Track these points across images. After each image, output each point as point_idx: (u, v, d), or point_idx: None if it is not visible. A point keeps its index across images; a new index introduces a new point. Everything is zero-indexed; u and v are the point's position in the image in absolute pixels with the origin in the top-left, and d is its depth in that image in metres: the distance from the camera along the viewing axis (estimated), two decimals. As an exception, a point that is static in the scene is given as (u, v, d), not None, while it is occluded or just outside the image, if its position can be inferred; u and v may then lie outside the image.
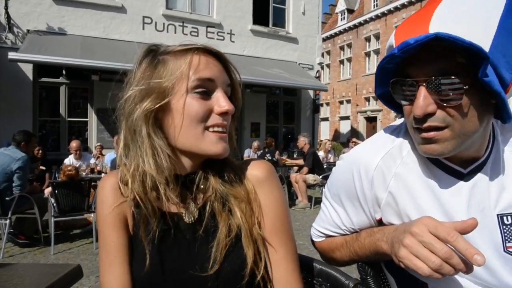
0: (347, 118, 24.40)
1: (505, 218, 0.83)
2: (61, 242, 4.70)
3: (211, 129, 0.76)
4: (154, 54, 0.78)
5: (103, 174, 5.85)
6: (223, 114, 0.76)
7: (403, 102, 0.80)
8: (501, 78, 0.73)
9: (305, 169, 7.46)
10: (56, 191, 4.35)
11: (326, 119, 25.78)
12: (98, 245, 4.33)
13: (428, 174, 0.85)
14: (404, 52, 0.71)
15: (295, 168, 8.46)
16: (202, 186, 0.80)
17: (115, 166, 4.98)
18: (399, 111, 0.88)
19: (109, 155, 6.68)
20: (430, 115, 0.74)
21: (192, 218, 0.80)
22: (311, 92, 13.14)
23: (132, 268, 0.80)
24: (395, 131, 0.93)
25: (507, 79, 0.74)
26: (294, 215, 6.45)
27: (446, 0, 0.75)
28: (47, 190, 4.55)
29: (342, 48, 25.11)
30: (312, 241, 1.11)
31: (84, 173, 5.59)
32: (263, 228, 0.81)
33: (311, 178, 7.25)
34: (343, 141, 19.56)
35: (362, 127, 23.07)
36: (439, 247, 0.67)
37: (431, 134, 0.76)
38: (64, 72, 9.33)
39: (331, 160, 9.06)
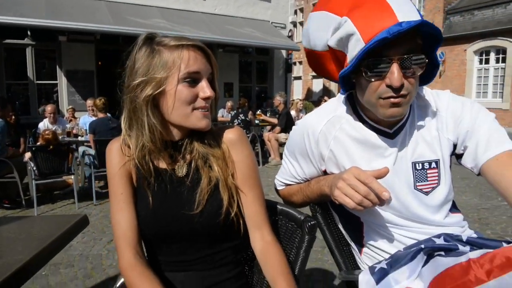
0: (319, 76, 24.55)
1: (417, 165, 1.12)
2: (43, 204, 4.85)
3: (197, 110, 1.00)
4: (150, 42, 0.99)
5: (79, 137, 5.94)
6: (206, 98, 0.99)
7: (373, 79, 0.98)
8: None
9: (278, 128, 7.76)
10: (35, 156, 4.47)
11: (299, 77, 25.88)
12: (80, 206, 4.52)
13: (360, 135, 1.12)
14: (395, 36, 0.89)
15: (268, 127, 8.75)
16: (188, 149, 1.05)
17: (94, 130, 5.10)
18: (349, 89, 1.12)
19: (83, 118, 6.63)
20: (402, 85, 0.96)
21: (182, 173, 1.06)
22: (283, 52, 13.17)
23: (137, 211, 1.05)
24: (337, 104, 1.19)
25: None
26: (267, 172, 6.80)
27: None
28: (27, 155, 4.64)
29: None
30: (276, 190, 1.39)
31: (60, 137, 5.65)
32: (236, 178, 1.07)
33: (283, 137, 7.56)
34: (315, 100, 19.88)
35: (334, 85, 23.33)
36: (361, 187, 0.94)
37: (399, 99, 0.98)
38: (29, 33, 8.99)
39: (303, 119, 9.35)
